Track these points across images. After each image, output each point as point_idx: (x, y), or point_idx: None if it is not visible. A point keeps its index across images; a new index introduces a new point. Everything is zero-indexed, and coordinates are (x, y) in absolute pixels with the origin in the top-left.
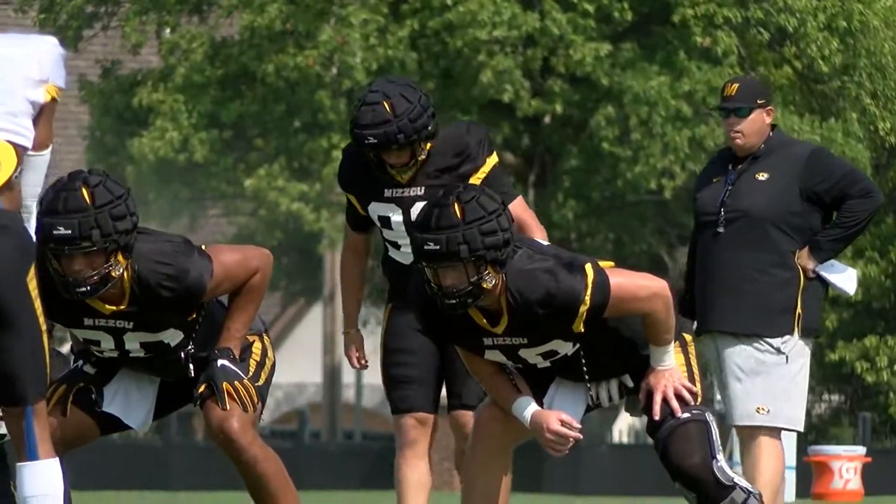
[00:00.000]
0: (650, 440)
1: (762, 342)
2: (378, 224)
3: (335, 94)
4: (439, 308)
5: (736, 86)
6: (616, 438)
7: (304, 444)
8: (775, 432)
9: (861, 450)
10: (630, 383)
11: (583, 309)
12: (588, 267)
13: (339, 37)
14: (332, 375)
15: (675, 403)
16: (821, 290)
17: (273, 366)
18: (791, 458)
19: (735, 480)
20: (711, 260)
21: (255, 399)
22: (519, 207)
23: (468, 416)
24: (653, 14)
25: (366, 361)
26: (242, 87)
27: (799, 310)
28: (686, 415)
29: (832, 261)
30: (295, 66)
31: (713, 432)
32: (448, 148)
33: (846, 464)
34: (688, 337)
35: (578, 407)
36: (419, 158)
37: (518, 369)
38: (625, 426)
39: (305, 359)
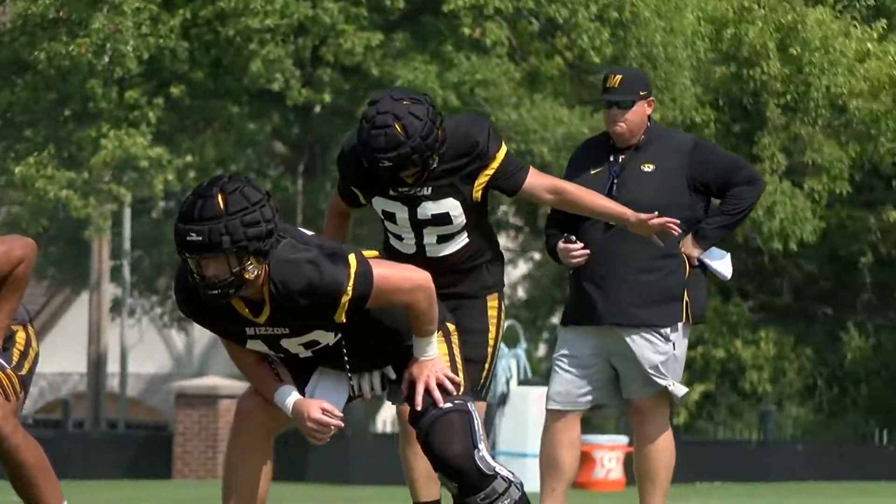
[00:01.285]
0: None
1: (653, 332)
2: (381, 216)
3: (107, 82)
4: (202, 298)
5: (619, 77)
6: (380, 428)
7: (68, 433)
8: (667, 417)
9: (623, 439)
10: (392, 375)
11: (345, 299)
12: (352, 257)
13: (112, 25)
14: (96, 364)
15: (437, 394)
16: (703, 278)
17: (37, 355)
18: None
19: (497, 470)
20: (602, 253)
21: (18, 388)
22: (536, 177)
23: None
24: (425, 4)
25: None
26: (13, 75)
27: (686, 298)
28: (448, 405)
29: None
30: (67, 53)
31: (476, 422)
32: (455, 148)
33: (608, 453)
34: (451, 326)
35: (340, 396)
36: (431, 168)
37: (280, 359)
38: (389, 416)
39: (71, 348)
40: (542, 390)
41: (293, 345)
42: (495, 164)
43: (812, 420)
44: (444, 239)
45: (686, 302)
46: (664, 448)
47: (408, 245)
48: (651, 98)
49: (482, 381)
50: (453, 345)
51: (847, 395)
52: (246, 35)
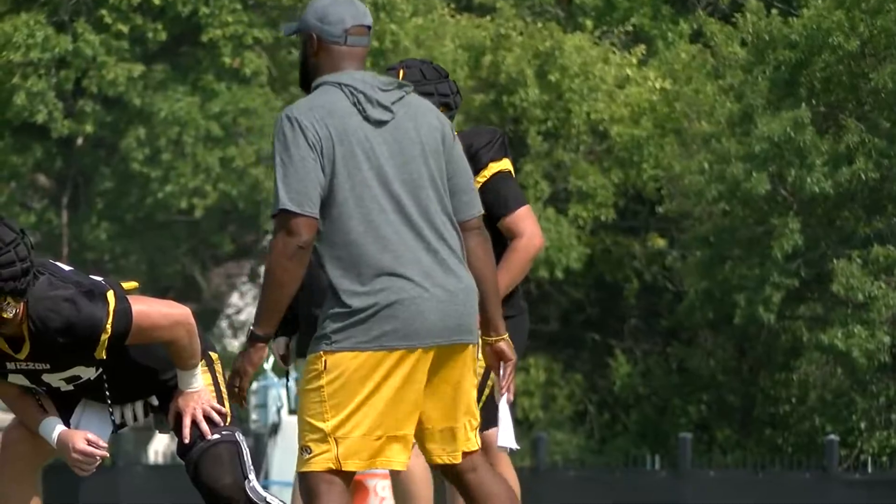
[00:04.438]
0: None
1: None
2: None
3: None
4: None
5: None
6: (152, 459)
7: None
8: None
9: None
10: (156, 402)
11: (104, 337)
12: (110, 295)
13: None
14: None
15: (204, 426)
16: None
17: None
18: None
19: (268, 500)
20: (316, 280)
21: None
22: (520, 215)
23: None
24: (184, 35)
25: None
26: None
27: None
28: (216, 436)
29: None
30: None
31: (244, 452)
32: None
33: (381, 481)
34: (214, 355)
35: (105, 426)
36: None
37: (44, 391)
38: (161, 447)
39: None
40: None
41: (55, 379)
42: (487, 173)
43: (583, 446)
44: None
45: None
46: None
47: None
48: None
49: None
50: (217, 374)
51: (618, 420)
52: (8, 69)
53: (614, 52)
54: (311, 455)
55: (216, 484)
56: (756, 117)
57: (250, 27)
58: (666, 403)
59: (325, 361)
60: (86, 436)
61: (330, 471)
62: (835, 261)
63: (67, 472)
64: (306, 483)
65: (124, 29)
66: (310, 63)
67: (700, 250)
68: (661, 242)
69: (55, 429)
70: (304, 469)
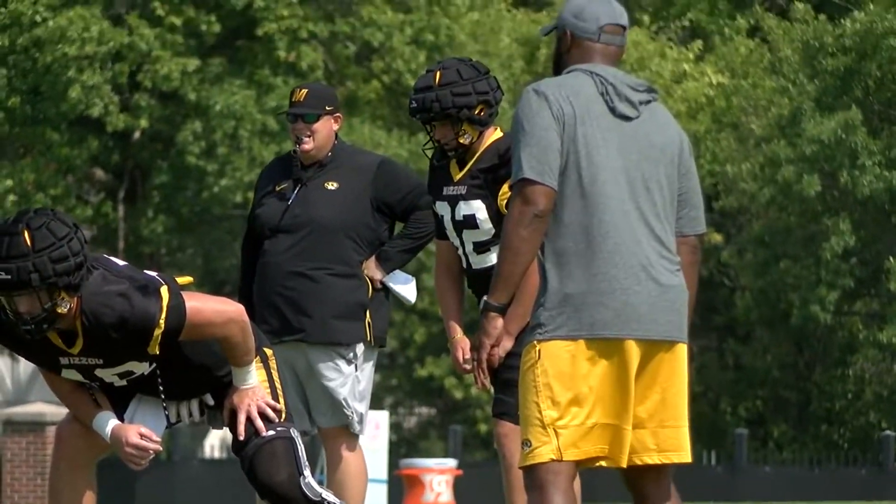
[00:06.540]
0: None
1: (334, 351)
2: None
3: None
4: (17, 332)
5: (305, 91)
6: (208, 453)
7: None
8: (357, 438)
9: (452, 463)
10: (211, 401)
11: (157, 332)
12: (164, 290)
13: None
14: None
15: (259, 423)
16: (386, 301)
17: None
18: (382, 472)
19: (323, 495)
20: (277, 270)
21: None
22: None
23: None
24: (239, 29)
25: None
26: None
27: (368, 318)
28: (271, 432)
29: (395, 270)
30: None
31: (299, 448)
32: (498, 150)
33: (437, 477)
34: (268, 351)
35: (159, 421)
36: (461, 140)
37: (97, 386)
38: (216, 441)
39: None
40: (372, 414)
41: (108, 374)
42: None
43: None
44: (480, 248)
45: (368, 323)
46: (356, 473)
47: (462, 257)
48: (339, 114)
49: None
50: (272, 370)
51: None
52: (64, 62)
53: (671, 48)
54: (531, 448)
55: (271, 480)
56: (805, 120)
57: (305, 21)
58: (721, 399)
59: (539, 351)
60: (139, 430)
61: (552, 462)
62: (890, 259)
63: (123, 467)
64: (531, 477)
65: (177, 21)
66: (563, 59)
67: (755, 251)
68: (717, 238)
69: (108, 423)
70: (527, 463)
